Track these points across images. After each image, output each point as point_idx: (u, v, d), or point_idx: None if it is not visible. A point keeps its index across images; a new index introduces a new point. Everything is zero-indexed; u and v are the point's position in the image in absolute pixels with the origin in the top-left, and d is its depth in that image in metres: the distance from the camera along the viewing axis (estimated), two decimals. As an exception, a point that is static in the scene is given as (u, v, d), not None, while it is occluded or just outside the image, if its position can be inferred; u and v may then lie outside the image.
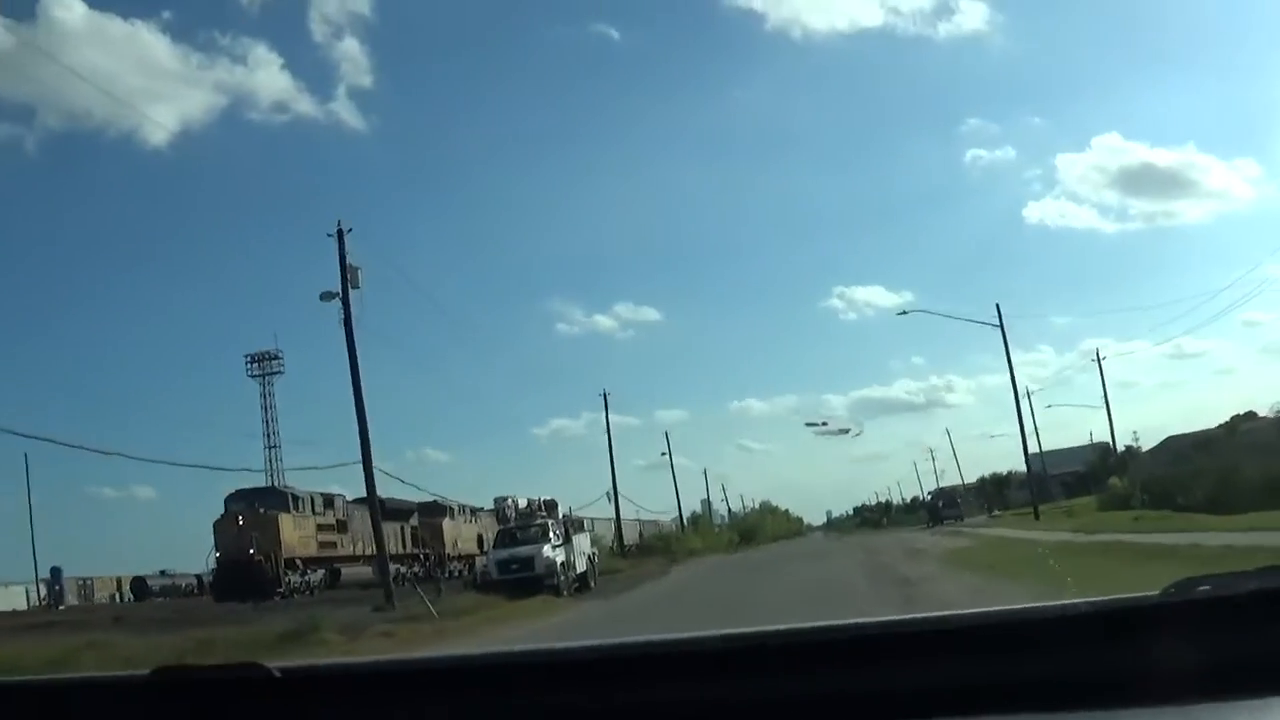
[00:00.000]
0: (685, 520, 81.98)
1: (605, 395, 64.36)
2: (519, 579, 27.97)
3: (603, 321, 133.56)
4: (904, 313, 54.49)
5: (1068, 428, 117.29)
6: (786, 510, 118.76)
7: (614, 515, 64.46)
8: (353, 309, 28.08)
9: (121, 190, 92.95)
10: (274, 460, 66.05)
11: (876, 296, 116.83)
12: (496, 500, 33.50)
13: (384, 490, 42.55)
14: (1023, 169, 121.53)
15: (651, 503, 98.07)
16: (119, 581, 62.67)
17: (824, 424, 67.14)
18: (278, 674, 1.85)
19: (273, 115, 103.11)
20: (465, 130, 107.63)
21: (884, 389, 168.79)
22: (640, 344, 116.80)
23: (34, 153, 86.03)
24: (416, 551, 49.03)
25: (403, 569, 47.19)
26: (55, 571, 57.18)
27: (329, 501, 42.25)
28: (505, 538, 30.94)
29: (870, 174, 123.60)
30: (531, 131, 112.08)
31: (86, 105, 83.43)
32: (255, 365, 70.11)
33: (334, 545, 41.25)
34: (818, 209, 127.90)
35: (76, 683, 2.36)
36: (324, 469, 73.90)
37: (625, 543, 65.71)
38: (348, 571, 40.74)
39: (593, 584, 32.67)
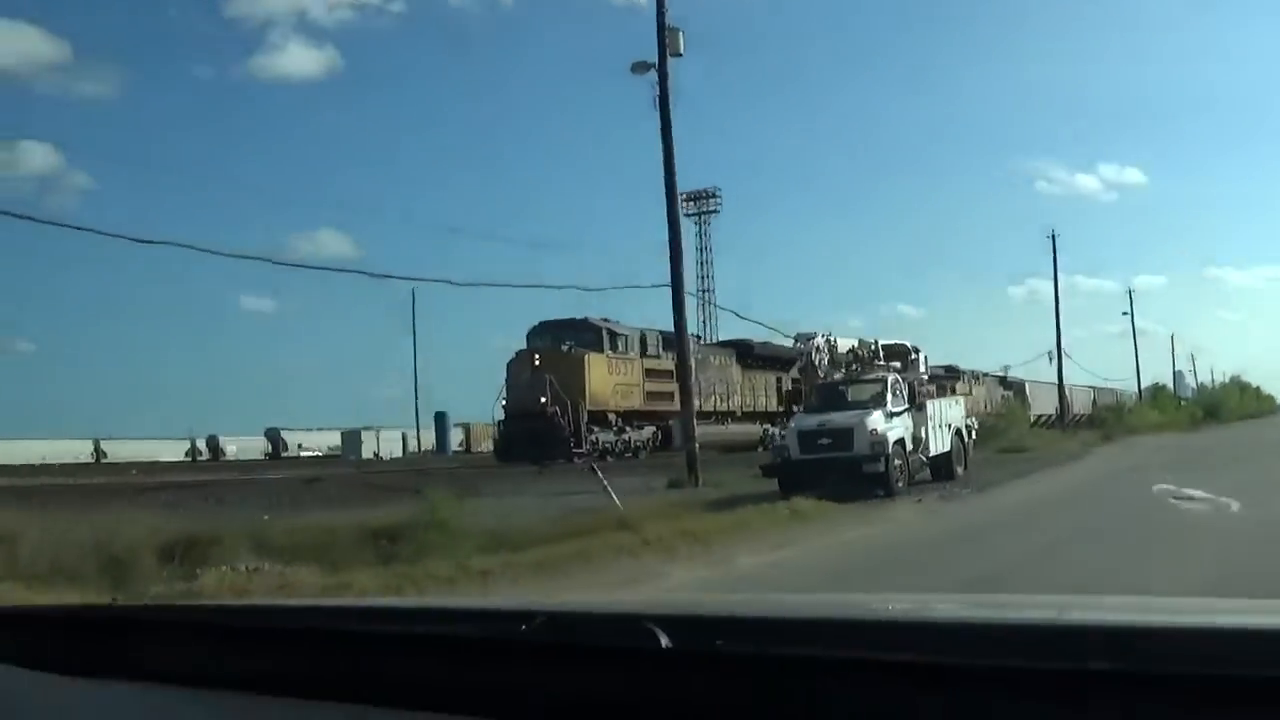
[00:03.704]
0: (1145, 391, 71.22)
1: (1053, 236, 55.39)
2: (828, 461, 18.77)
3: (1085, 181, 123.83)
4: None
5: None
6: (1258, 388, 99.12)
7: (1057, 379, 54.04)
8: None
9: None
10: (707, 306, 60.50)
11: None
12: (798, 337, 24.11)
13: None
14: None
15: (1118, 371, 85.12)
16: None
17: None
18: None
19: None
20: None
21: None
22: (1123, 206, 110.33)
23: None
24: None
25: (773, 430, 39.41)
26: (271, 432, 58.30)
27: (668, 342, 35.01)
28: (820, 397, 21.72)
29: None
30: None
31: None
32: (691, 204, 65.22)
33: (669, 397, 34.02)
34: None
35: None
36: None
37: (1074, 411, 55.12)
38: (685, 430, 33.29)
39: (959, 470, 22.58)
